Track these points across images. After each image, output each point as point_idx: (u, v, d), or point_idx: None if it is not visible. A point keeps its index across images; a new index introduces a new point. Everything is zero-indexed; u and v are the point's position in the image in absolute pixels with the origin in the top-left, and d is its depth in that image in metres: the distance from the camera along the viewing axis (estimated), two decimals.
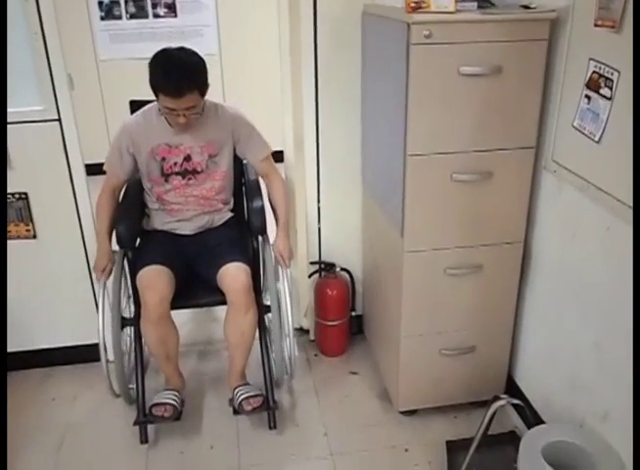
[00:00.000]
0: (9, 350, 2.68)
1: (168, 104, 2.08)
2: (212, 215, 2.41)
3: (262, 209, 2.33)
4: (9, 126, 2.32)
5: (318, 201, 2.64)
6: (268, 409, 2.32)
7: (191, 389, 2.53)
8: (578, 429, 1.89)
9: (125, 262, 2.34)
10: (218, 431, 2.37)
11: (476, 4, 1.91)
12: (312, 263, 2.75)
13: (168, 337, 2.26)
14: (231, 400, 2.34)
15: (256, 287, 2.31)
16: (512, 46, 1.85)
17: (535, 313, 2.23)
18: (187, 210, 2.37)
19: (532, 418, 2.14)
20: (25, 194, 2.45)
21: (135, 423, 2.29)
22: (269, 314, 2.35)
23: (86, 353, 2.62)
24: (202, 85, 2.12)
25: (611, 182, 1.70)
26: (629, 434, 1.70)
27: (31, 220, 2.49)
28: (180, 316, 2.36)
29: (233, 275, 2.21)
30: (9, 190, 2.42)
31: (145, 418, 2.28)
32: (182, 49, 2.13)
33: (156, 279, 2.19)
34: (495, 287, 2.19)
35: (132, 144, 2.27)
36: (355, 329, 2.88)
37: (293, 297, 2.36)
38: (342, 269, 2.75)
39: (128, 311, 2.46)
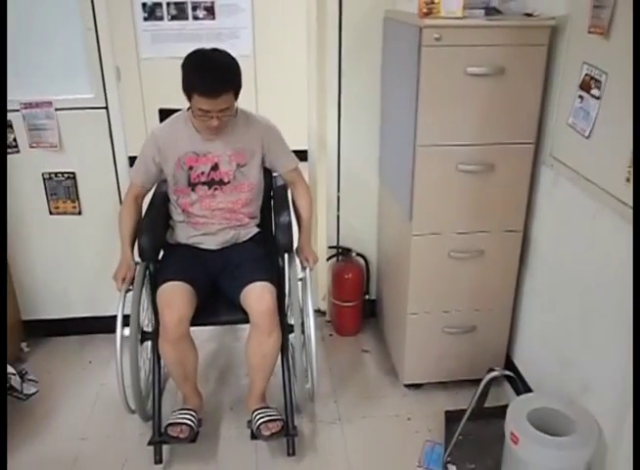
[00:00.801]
0: (51, 317, 2.97)
1: (203, 105, 2.04)
2: (238, 230, 2.35)
3: (290, 225, 2.29)
4: (61, 112, 2.58)
5: (338, 190, 2.86)
6: (287, 435, 2.23)
7: (209, 410, 2.47)
8: (561, 398, 2.06)
9: (147, 275, 2.31)
10: (235, 456, 2.30)
11: (483, 11, 2.10)
12: (330, 248, 2.96)
13: (187, 357, 2.20)
14: (249, 423, 2.25)
15: (280, 307, 2.25)
16: (515, 49, 2.05)
17: (533, 296, 2.41)
18: (212, 223, 2.32)
19: (525, 392, 2.32)
20: (73, 174, 2.70)
21: (150, 443, 2.21)
22: (293, 334, 2.26)
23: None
24: (237, 86, 2.09)
25: (597, 173, 1.88)
26: (607, 403, 1.88)
27: (77, 198, 2.75)
28: (201, 334, 2.35)
29: (258, 296, 2.14)
30: (60, 169, 2.68)
31: (160, 438, 2.19)
32: (216, 50, 2.10)
33: (176, 297, 2.12)
34: (496, 271, 2.38)
35: (159, 153, 2.24)
36: (369, 312, 3.08)
37: (312, 280, 2.38)
38: (358, 255, 2.96)
39: (149, 324, 2.41)
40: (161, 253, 2.39)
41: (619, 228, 1.77)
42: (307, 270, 2.34)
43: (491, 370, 2.21)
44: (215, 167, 2.25)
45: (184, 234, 2.36)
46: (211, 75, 2.03)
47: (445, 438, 2.30)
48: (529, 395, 2.12)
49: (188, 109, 2.19)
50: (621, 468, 1.81)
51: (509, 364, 2.57)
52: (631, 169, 1.69)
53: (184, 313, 2.12)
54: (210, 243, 2.34)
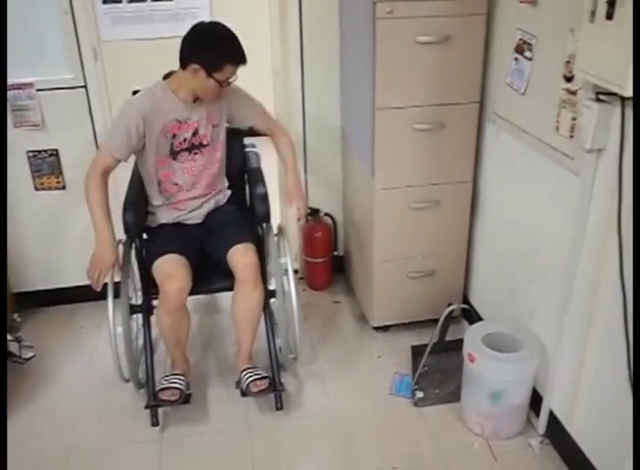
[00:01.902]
0: (41, 288, 3.14)
1: (231, 74, 2.20)
2: (217, 197, 2.51)
3: (266, 196, 2.42)
4: (43, 92, 2.73)
5: (304, 155, 3.09)
6: (275, 391, 2.40)
7: (198, 375, 2.63)
8: (510, 323, 2.36)
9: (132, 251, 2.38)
10: (227, 414, 2.46)
11: None
12: None
13: (181, 324, 2.34)
14: (238, 383, 2.40)
15: (262, 272, 2.39)
16: (458, 19, 2.31)
17: (483, 240, 2.70)
18: (194, 197, 2.43)
19: None
20: (56, 151, 2.87)
21: (146, 407, 2.35)
22: (274, 299, 2.45)
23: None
24: None
25: (532, 125, 2.17)
26: (548, 324, 2.18)
27: (61, 173, 2.92)
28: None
29: (242, 252, 2.31)
30: (43, 147, 2.85)
31: (155, 402, 2.33)
32: (216, 22, 2.25)
33: (175, 269, 2.23)
34: (451, 219, 2.67)
35: (143, 123, 2.25)
36: (337, 268, 3.34)
37: (285, 240, 2.57)
38: (326, 214, 3.22)
39: (135, 298, 2.55)
40: (145, 234, 2.47)
41: (552, 170, 2.06)
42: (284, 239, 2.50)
43: (450, 305, 2.50)
44: (195, 132, 2.35)
45: (169, 216, 2.44)
46: (238, 44, 2.19)
47: (412, 369, 2.59)
48: (483, 322, 2.43)
49: (164, 78, 2.32)
50: (561, 376, 2.12)
51: (465, 302, 2.87)
52: (560, 119, 1.98)
53: (184, 284, 2.24)
54: (196, 218, 2.47)
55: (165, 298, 2.23)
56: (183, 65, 2.23)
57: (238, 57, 2.19)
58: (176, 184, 2.41)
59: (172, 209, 2.44)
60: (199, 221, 2.48)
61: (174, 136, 2.33)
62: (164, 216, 2.45)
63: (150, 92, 2.31)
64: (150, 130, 2.29)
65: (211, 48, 2.18)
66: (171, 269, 2.24)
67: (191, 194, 2.44)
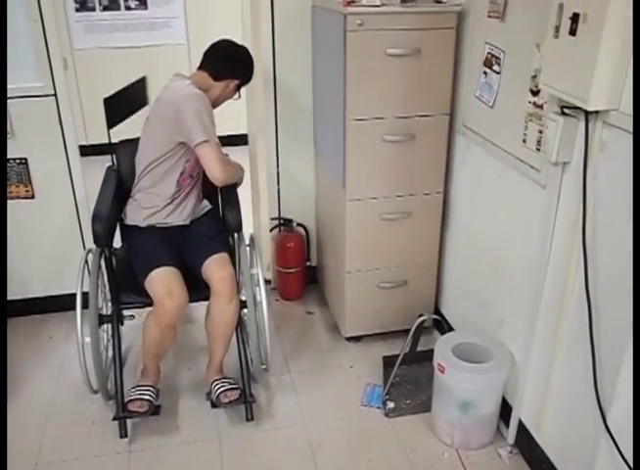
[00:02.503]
0: (10, 298, 3.07)
1: None
2: (195, 201, 2.51)
3: (238, 206, 2.47)
4: (12, 101, 2.70)
5: (277, 166, 3.10)
6: (245, 402, 2.40)
7: (169, 386, 2.62)
8: (480, 333, 2.39)
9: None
10: (197, 425, 2.44)
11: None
12: (273, 219, 3.20)
13: (168, 338, 2.34)
14: (208, 394, 2.41)
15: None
16: (428, 33, 2.34)
17: (454, 250, 2.73)
18: (180, 195, 2.44)
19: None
20: (25, 159, 2.84)
21: (115, 418, 2.33)
22: (245, 310, 2.44)
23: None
24: None
25: (500, 137, 2.19)
26: (517, 334, 2.21)
27: (30, 182, 2.88)
28: None
29: (219, 264, 2.31)
30: (12, 156, 2.81)
31: (123, 413, 2.31)
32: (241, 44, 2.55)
33: (174, 285, 2.22)
34: (422, 230, 2.69)
35: None
36: (310, 278, 3.34)
37: (257, 250, 2.58)
38: (299, 224, 3.22)
39: (104, 308, 2.54)
40: (133, 236, 2.46)
41: (520, 182, 2.09)
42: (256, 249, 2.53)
43: (421, 315, 2.51)
44: None
45: (161, 214, 2.43)
46: None
47: (384, 380, 2.60)
48: (453, 332, 2.44)
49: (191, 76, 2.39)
50: (529, 385, 2.14)
51: (437, 312, 2.89)
52: (527, 132, 2.01)
53: (183, 301, 2.23)
54: (182, 216, 2.46)
55: (163, 314, 2.21)
56: (220, 78, 2.40)
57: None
58: (191, 176, 2.44)
59: (169, 205, 2.42)
60: (185, 223, 2.47)
61: None
62: (155, 217, 2.43)
63: (196, 87, 2.32)
64: None
65: (249, 68, 2.49)
66: (171, 285, 2.22)
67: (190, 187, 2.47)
